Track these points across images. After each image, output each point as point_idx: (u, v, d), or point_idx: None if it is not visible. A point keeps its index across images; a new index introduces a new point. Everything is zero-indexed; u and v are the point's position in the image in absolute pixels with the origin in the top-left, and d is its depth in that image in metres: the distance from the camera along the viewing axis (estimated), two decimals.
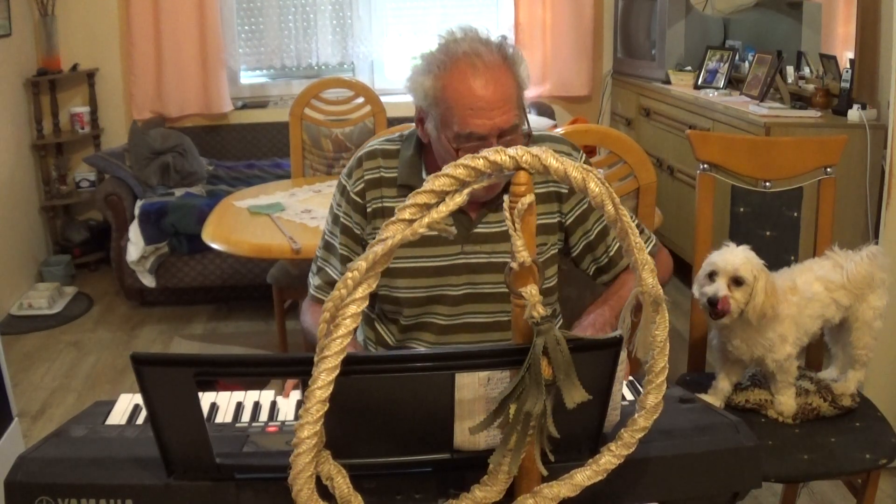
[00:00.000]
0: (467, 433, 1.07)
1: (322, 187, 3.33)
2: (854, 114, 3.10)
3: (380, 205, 1.66)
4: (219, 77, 4.76)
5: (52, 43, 4.55)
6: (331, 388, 0.95)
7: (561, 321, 1.82)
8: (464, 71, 1.50)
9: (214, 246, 2.76)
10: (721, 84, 4.04)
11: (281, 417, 1.38)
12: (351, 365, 0.97)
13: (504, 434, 0.99)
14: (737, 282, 1.74)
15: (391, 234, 0.97)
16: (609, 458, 1.04)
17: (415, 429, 1.09)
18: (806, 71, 3.72)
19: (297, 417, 0.98)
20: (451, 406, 1.06)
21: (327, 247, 1.73)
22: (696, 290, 1.83)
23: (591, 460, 1.04)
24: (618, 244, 1.72)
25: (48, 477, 1.08)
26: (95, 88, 4.74)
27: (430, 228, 0.97)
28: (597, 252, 1.73)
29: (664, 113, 4.21)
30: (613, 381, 1.07)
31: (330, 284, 1.70)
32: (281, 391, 1.46)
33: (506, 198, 0.99)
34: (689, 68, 4.31)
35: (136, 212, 3.99)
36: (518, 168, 0.97)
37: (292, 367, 1.10)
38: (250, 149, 4.89)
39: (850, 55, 3.22)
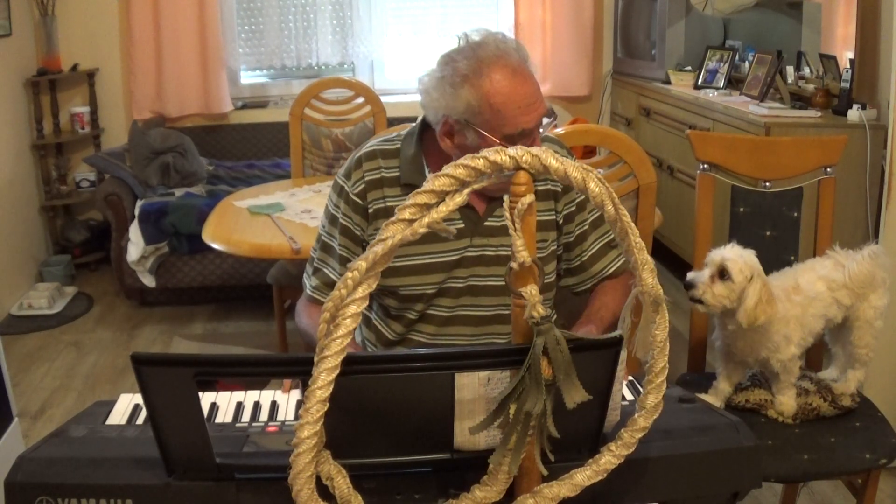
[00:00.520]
0: (467, 433, 1.07)
1: (322, 187, 3.33)
2: (854, 114, 3.10)
3: (382, 205, 1.66)
4: (219, 77, 4.76)
5: (52, 43, 4.55)
6: (331, 388, 0.95)
7: (555, 316, 1.83)
8: (503, 73, 1.51)
9: (214, 246, 2.76)
10: (721, 84, 4.04)
11: (281, 417, 1.38)
12: (351, 365, 0.97)
13: (504, 434, 0.99)
14: (721, 275, 1.74)
15: (391, 234, 0.97)
16: (609, 458, 1.04)
17: (415, 429, 1.09)
18: (806, 71, 3.72)
19: (297, 417, 0.98)
20: (451, 406, 1.06)
21: (324, 248, 1.73)
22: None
23: (591, 460, 1.04)
24: (593, 250, 1.76)
25: (48, 477, 1.08)
26: (95, 88, 4.74)
27: (429, 228, 0.97)
28: (571, 254, 1.76)
29: (664, 113, 4.21)
30: (613, 381, 1.07)
31: (328, 285, 1.70)
32: (280, 390, 1.46)
33: (506, 198, 0.99)
34: (689, 68, 4.31)
35: (136, 212, 3.99)
36: (518, 168, 0.97)
37: (292, 367, 1.10)
38: (250, 149, 4.89)
39: (850, 55, 3.22)
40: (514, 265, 0.98)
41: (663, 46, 4.40)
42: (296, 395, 1.44)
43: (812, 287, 1.81)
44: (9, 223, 4.15)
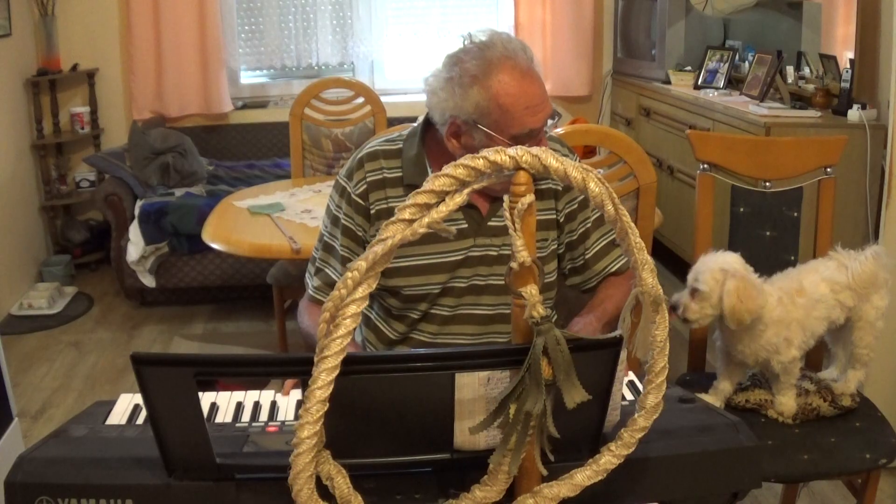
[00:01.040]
0: (467, 433, 1.07)
1: (322, 187, 3.33)
2: (854, 114, 3.10)
3: (385, 206, 1.66)
4: (219, 77, 4.76)
5: (52, 43, 4.55)
6: (331, 388, 0.95)
7: (555, 316, 1.83)
8: (512, 74, 1.52)
9: (214, 246, 2.76)
10: (721, 84, 4.04)
11: (281, 417, 1.38)
12: (351, 365, 0.97)
13: (504, 434, 0.99)
14: (694, 292, 1.75)
15: (391, 234, 0.97)
16: (609, 458, 1.04)
17: (415, 429, 1.09)
18: (806, 71, 3.72)
19: (297, 417, 0.98)
20: (451, 406, 1.06)
21: (326, 248, 1.73)
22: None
23: (591, 460, 1.04)
24: (596, 248, 1.76)
25: (48, 477, 1.08)
26: (95, 88, 4.74)
27: (429, 228, 0.97)
28: (575, 252, 1.76)
29: (664, 113, 4.21)
30: (613, 381, 1.07)
31: (329, 286, 1.70)
32: (281, 391, 1.46)
33: (506, 198, 0.99)
34: (689, 68, 4.31)
35: (136, 212, 3.99)
36: (518, 168, 0.97)
37: (292, 367, 1.10)
38: (250, 149, 4.89)
39: (850, 55, 3.22)
40: (514, 265, 0.98)
41: (663, 46, 4.40)
42: (295, 394, 1.44)
43: (816, 289, 1.81)
44: (9, 223, 4.15)
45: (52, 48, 4.55)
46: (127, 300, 4.24)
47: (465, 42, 1.57)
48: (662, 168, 4.13)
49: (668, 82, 4.32)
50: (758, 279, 1.77)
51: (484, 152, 0.98)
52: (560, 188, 1.71)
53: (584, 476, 1.03)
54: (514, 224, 0.98)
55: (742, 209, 2.07)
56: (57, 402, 3.25)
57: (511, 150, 0.97)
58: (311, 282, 1.75)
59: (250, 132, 4.90)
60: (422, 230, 0.97)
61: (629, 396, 1.42)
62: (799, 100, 3.51)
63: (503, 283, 1.65)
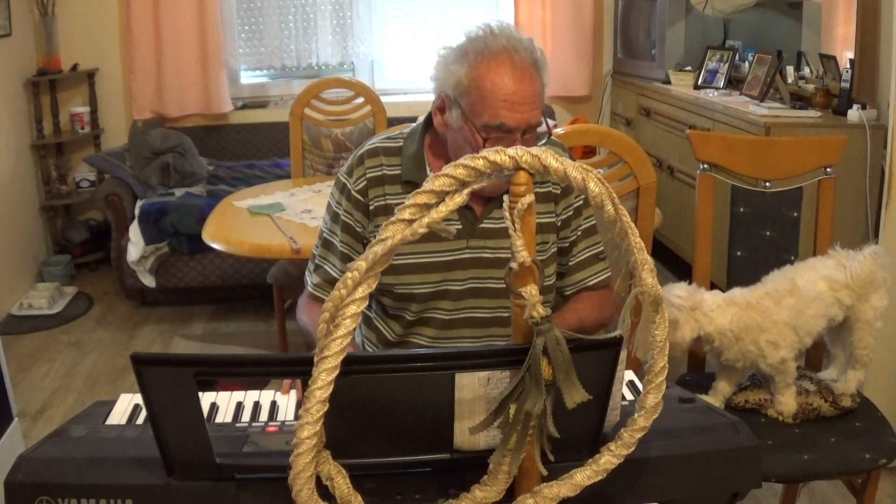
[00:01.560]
0: (467, 433, 1.07)
1: (322, 187, 3.33)
2: (854, 114, 3.10)
3: (383, 202, 1.67)
4: (219, 77, 4.76)
5: (52, 43, 4.55)
6: (331, 388, 0.95)
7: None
8: (502, 63, 1.52)
9: (214, 246, 2.76)
10: (721, 84, 4.04)
11: (281, 417, 1.38)
12: (351, 365, 0.97)
13: (504, 434, 0.99)
14: None
15: (391, 234, 0.97)
16: (609, 458, 1.04)
17: (415, 429, 1.09)
18: (806, 71, 3.72)
19: (297, 417, 0.98)
20: (451, 406, 1.06)
21: (326, 244, 1.73)
22: None
23: (591, 460, 1.04)
24: (579, 258, 1.76)
25: (48, 477, 1.08)
26: (95, 88, 4.74)
27: (429, 228, 0.97)
28: (562, 259, 1.77)
29: (664, 113, 4.21)
30: (613, 381, 1.07)
31: (329, 282, 1.71)
32: (280, 390, 1.46)
33: (506, 198, 0.99)
34: (689, 68, 4.31)
35: (136, 212, 3.99)
36: (518, 168, 0.97)
37: (292, 367, 1.10)
38: (250, 149, 4.89)
39: (850, 55, 3.22)
40: (514, 265, 0.98)
41: (663, 46, 4.40)
42: (295, 392, 1.44)
43: (813, 287, 1.81)
44: (9, 223, 4.15)
45: (52, 48, 4.55)
46: (127, 300, 4.24)
47: (484, 30, 1.58)
48: (662, 168, 4.13)
49: (668, 82, 4.32)
50: (684, 311, 1.75)
51: (484, 152, 0.98)
52: (559, 192, 1.71)
53: (584, 476, 1.03)
54: (514, 224, 0.98)
55: (742, 209, 2.07)
56: (57, 402, 3.25)
57: (511, 150, 0.97)
58: (311, 279, 1.75)
59: (250, 132, 4.89)
60: (422, 230, 0.97)
61: (629, 396, 1.42)
62: (799, 100, 3.51)
63: (500, 286, 1.67)
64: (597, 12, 4.92)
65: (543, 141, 1.63)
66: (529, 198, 0.98)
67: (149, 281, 3.97)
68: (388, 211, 1.66)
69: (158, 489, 1.07)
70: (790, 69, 3.72)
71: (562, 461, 1.03)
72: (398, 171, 1.67)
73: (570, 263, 1.76)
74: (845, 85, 3.22)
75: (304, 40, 4.94)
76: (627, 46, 4.85)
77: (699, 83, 4.13)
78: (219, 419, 1.37)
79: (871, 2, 3.07)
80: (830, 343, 1.96)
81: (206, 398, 1.41)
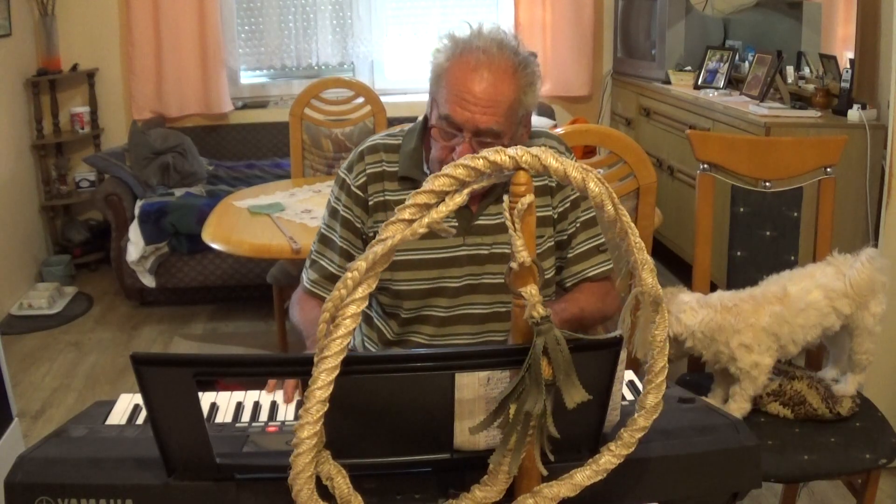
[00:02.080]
0: (467, 433, 1.07)
1: (322, 187, 3.33)
2: (854, 114, 3.10)
3: (382, 198, 1.68)
4: (219, 77, 4.76)
5: (52, 43, 4.55)
6: (331, 388, 0.95)
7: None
8: (468, 61, 1.54)
9: (214, 246, 2.76)
10: (721, 84, 4.04)
11: (281, 417, 1.38)
12: (351, 365, 0.97)
13: (504, 434, 0.99)
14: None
15: (391, 234, 0.97)
16: (609, 458, 1.04)
17: (415, 429, 1.09)
18: (806, 71, 3.72)
19: (297, 417, 0.97)
20: (451, 406, 1.06)
21: (323, 240, 1.74)
22: None
23: (591, 460, 1.04)
24: (580, 250, 1.76)
25: (48, 477, 1.08)
26: (95, 88, 4.74)
27: (429, 228, 0.97)
28: (562, 252, 1.76)
29: (664, 113, 4.21)
30: (613, 381, 1.07)
31: (325, 278, 1.71)
32: (281, 390, 1.46)
33: (506, 198, 0.99)
34: (689, 68, 4.31)
35: (136, 212, 3.99)
36: (518, 168, 0.97)
37: (292, 367, 1.10)
38: (250, 149, 4.89)
39: (850, 55, 3.22)
40: (513, 265, 0.98)
41: (663, 46, 4.40)
42: (281, 393, 1.45)
43: (804, 297, 1.78)
44: (9, 223, 4.15)
45: (52, 48, 4.55)
46: (127, 300, 4.24)
47: (476, 29, 1.61)
48: (662, 168, 4.13)
49: (668, 82, 4.32)
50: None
51: (484, 152, 0.98)
52: (555, 185, 1.71)
53: (584, 476, 1.03)
54: (513, 224, 0.98)
55: (742, 209, 2.07)
56: (57, 402, 3.25)
57: (511, 150, 0.97)
58: (307, 275, 1.76)
59: (250, 132, 4.89)
60: (422, 230, 0.97)
61: (629, 396, 1.42)
62: (799, 100, 3.51)
63: (497, 281, 1.67)
64: (597, 12, 4.92)
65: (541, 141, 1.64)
66: (529, 198, 0.98)
67: (149, 281, 3.97)
68: (386, 207, 1.67)
69: (158, 489, 1.07)
70: (790, 69, 3.72)
71: (562, 461, 1.03)
72: (397, 168, 1.68)
73: (570, 255, 1.76)
74: (845, 85, 3.22)
75: (304, 40, 4.94)
76: (627, 46, 4.85)
77: (699, 83, 4.13)
78: (219, 419, 1.37)
79: (871, 2, 3.07)
80: (828, 343, 1.95)
81: (206, 398, 1.41)
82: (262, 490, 1.07)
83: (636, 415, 1.05)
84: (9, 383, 2.55)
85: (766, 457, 1.72)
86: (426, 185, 0.98)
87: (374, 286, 0.98)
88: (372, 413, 1.07)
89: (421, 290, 1.67)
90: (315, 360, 0.96)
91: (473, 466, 1.06)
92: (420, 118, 1.72)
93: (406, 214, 0.97)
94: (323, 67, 5.03)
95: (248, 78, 5.06)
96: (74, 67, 4.62)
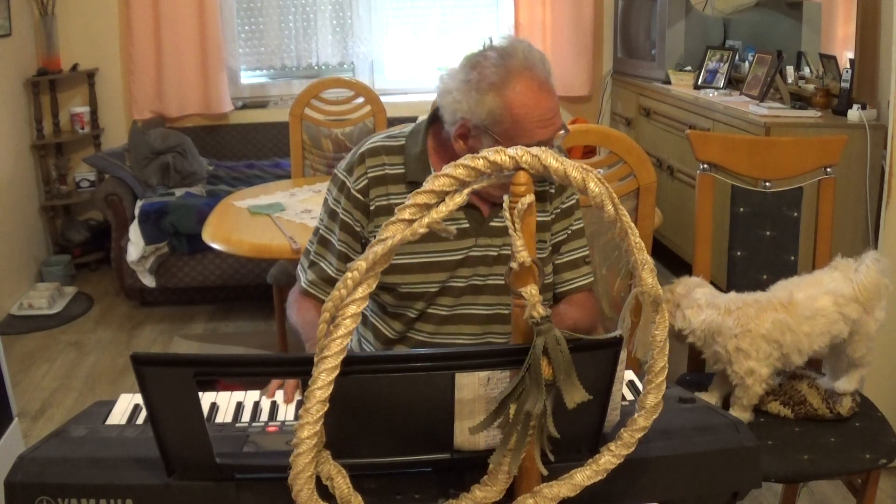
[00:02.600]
0: (467, 433, 1.07)
1: (322, 187, 3.33)
2: (854, 114, 3.10)
3: (385, 202, 1.66)
4: (219, 77, 4.76)
5: (52, 43, 4.55)
6: (331, 388, 0.95)
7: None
8: (529, 85, 1.54)
9: (214, 246, 2.76)
10: (721, 84, 4.04)
11: (281, 417, 1.38)
12: (351, 365, 0.97)
13: (504, 434, 0.99)
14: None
15: (391, 234, 0.97)
16: (609, 458, 1.04)
17: (415, 429, 1.09)
18: (806, 71, 3.72)
19: (297, 417, 0.97)
20: (451, 406, 1.06)
21: (322, 242, 1.72)
22: None
23: (591, 460, 1.04)
24: (565, 259, 1.76)
25: (48, 477, 1.08)
26: (95, 88, 4.74)
27: (429, 228, 0.97)
28: (553, 258, 1.76)
29: (664, 113, 4.21)
30: (613, 381, 1.07)
31: (324, 280, 1.70)
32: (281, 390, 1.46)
33: (506, 198, 0.99)
34: (689, 68, 4.31)
35: (136, 212, 3.99)
36: (518, 168, 0.97)
37: (292, 367, 1.10)
38: (250, 149, 4.89)
39: (850, 55, 3.22)
40: (514, 265, 0.98)
41: (663, 46, 4.40)
42: (281, 395, 1.44)
43: (812, 304, 1.75)
44: (9, 223, 4.15)
45: (52, 48, 4.55)
46: (127, 300, 4.24)
47: (486, 46, 1.57)
48: (662, 168, 4.13)
49: (668, 82, 4.32)
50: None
51: (484, 152, 0.98)
52: (553, 191, 1.72)
53: (584, 476, 1.03)
54: (513, 224, 0.98)
55: (742, 209, 2.07)
56: (57, 402, 3.25)
57: (511, 150, 0.97)
58: (305, 275, 1.74)
59: (250, 132, 4.90)
60: (422, 230, 0.97)
61: (629, 396, 1.42)
62: (799, 100, 3.51)
63: (502, 282, 1.67)
64: (597, 12, 4.93)
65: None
66: (529, 198, 0.98)
67: (149, 281, 3.97)
68: (390, 211, 1.64)
69: (158, 489, 1.07)
70: (790, 69, 3.72)
71: (562, 461, 1.03)
72: (401, 171, 1.66)
73: (557, 262, 1.76)
74: (845, 85, 3.22)
75: (304, 40, 4.94)
76: (627, 46, 4.85)
77: (699, 83, 4.13)
78: (219, 419, 1.36)
79: (871, 2, 3.07)
80: (828, 355, 1.92)
81: (206, 398, 1.40)
82: (262, 490, 1.07)
83: (636, 415, 1.05)
84: (9, 383, 2.55)
85: (766, 457, 1.72)
86: (426, 185, 0.98)
87: (374, 286, 0.98)
88: (372, 413, 1.07)
89: (430, 293, 1.67)
90: (315, 360, 0.96)
91: (473, 466, 1.06)
92: (421, 119, 1.71)
93: (406, 214, 0.97)
94: (323, 67, 5.03)
95: (248, 78, 5.07)
96: (74, 67, 4.62)
